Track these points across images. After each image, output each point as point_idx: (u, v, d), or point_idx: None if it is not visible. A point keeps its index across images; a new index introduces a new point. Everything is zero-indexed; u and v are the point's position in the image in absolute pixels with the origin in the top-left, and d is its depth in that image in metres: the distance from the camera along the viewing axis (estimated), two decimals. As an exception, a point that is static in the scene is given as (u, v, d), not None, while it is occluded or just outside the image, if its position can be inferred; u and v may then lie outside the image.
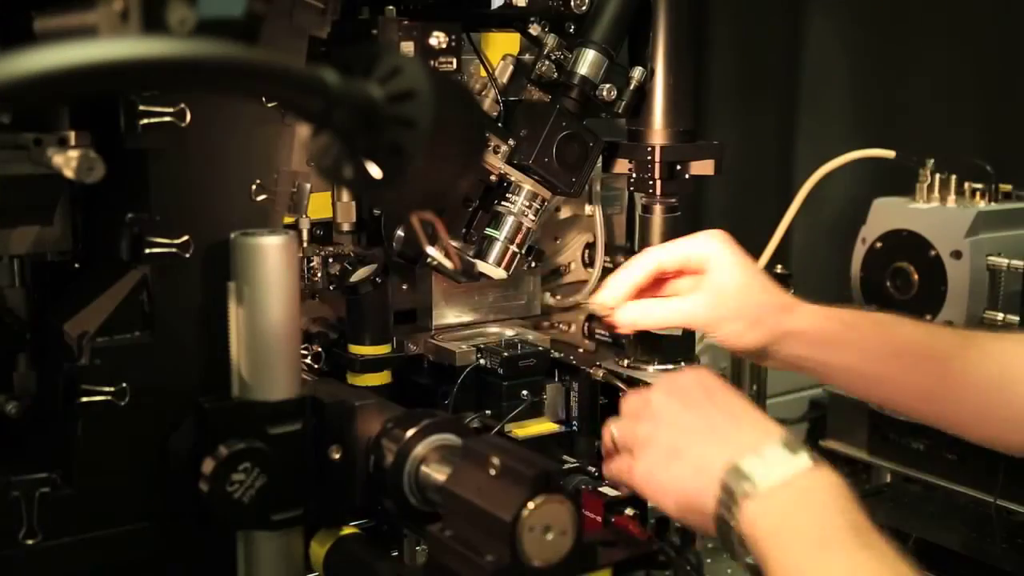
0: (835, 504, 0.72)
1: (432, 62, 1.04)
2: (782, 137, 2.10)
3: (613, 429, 0.88)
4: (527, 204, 1.09)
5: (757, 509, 0.73)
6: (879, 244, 1.39)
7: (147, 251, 0.84)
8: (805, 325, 0.95)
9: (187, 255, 0.85)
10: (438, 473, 0.81)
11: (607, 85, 1.09)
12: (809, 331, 0.95)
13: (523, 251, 1.10)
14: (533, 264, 1.14)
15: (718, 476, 0.75)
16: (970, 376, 0.92)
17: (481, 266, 1.09)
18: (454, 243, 1.11)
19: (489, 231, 1.10)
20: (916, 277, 1.35)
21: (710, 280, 0.97)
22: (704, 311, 0.96)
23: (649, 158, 1.11)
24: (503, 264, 1.09)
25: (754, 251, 1.49)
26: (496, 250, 1.09)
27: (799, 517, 0.72)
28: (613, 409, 1.13)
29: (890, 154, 1.40)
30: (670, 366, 1.12)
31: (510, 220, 1.09)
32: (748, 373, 1.36)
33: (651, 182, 1.12)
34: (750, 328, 0.96)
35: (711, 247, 0.99)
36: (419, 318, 1.18)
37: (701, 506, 0.76)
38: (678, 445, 0.80)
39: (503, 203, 1.10)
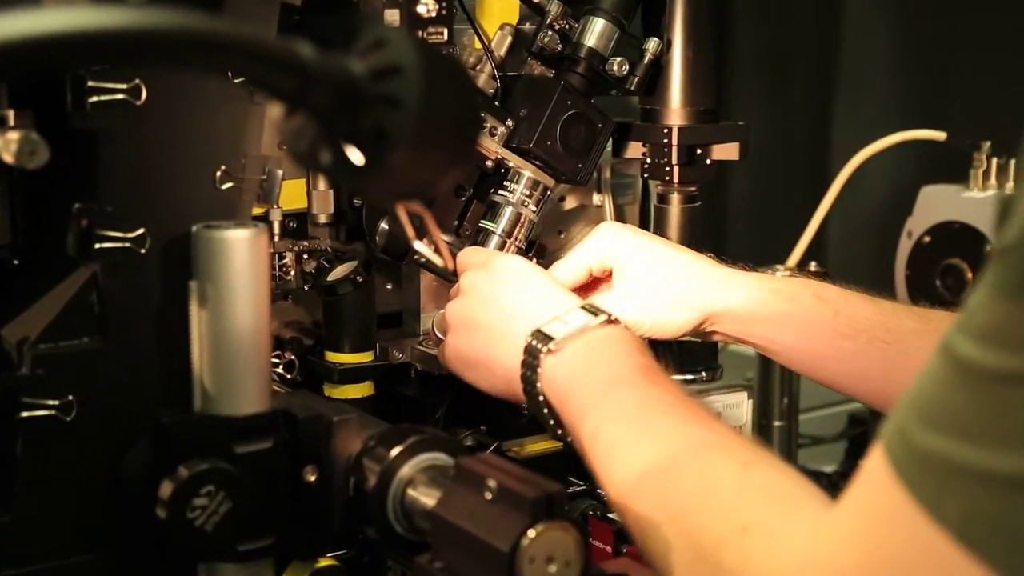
0: (627, 350, 0.84)
1: (420, 33, 1.04)
2: (816, 117, 2.10)
3: (434, 323, 1.00)
4: (527, 193, 1.10)
5: (553, 362, 0.85)
6: (927, 238, 1.39)
7: (97, 246, 0.84)
8: (739, 300, 0.97)
9: (142, 250, 0.85)
10: (427, 497, 0.81)
11: (618, 59, 1.10)
12: (743, 307, 0.97)
13: (523, 246, 1.11)
14: (534, 261, 1.15)
15: (523, 341, 0.86)
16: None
17: None
18: (445, 237, 1.11)
19: (485, 224, 1.10)
20: (970, 276, 1.35)
21: (622, 275, 1.00)
22: (620, 308, 0.94)
23: (665, 141, 1.12)
24: None
25: (784, 246, 1.50)
26: (492, 245, 1.10)
27: (591, 364, 0.84)
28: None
29: (940, 136, 1.41)
30: (690, 376, 1.12)
31: (508, 211, 1.10)
32: (778, 385, 1.37)
33: (667, 168, 1.12)
34: (675, 311, 0.98)
35: (612, 241, 1.00)
36: (406, 322, 1.18)
37: (509, 374, 0.88)
38: (485, 318, 0.92)
39: (500, 192, 1.10)
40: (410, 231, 0.84)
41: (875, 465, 0.58)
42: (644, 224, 1.25)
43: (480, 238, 1.10)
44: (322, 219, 1.11)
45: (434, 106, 0.62)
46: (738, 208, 2.04)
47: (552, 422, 0.87)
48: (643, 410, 0.79)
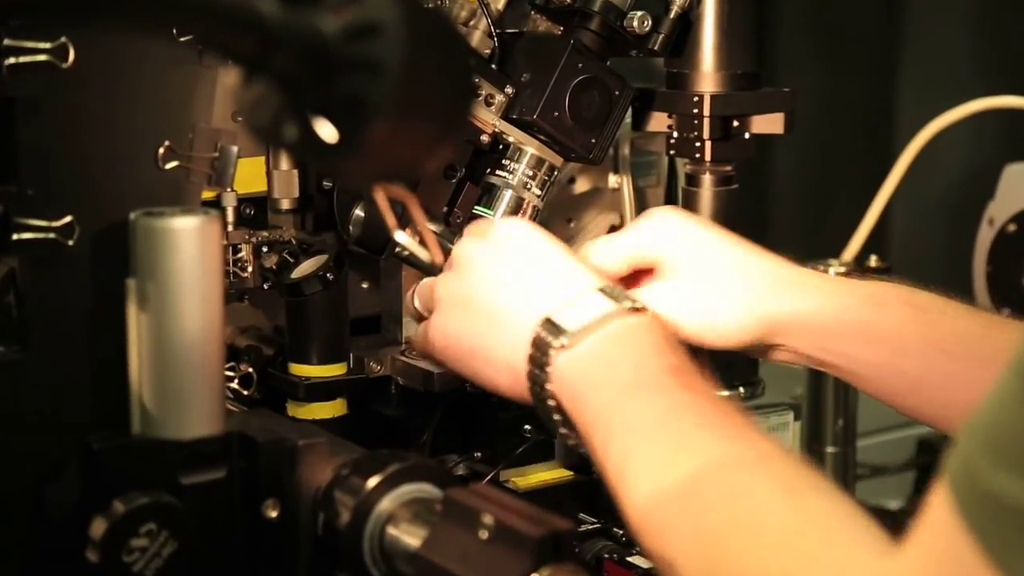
0: (655, 346, 0.83)
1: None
2: (878, 83, 2.11)
3: (415, 293, 0.99)
4: (530, 174, 1.10)
5: (566, 360, 0.84)
6: (1013, 227, 1.40)
7: (15, 237, 0.84)
8: (815, 307, 0.93)
9: (70, 242, 0.86)
10: (410, 536, 0.81)
11: (639, 13, 1.10)
12: (821, 315, 0.93)
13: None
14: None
15: (530, 332, 0.85)
16: None
17: None
18: (432, 227, 1.11)
19: (479, 210, 1.11)
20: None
21: (667, 269, 0.96)
22: (661, 307, 0.92)
23: (696, 111, 1.12)
24: None
25: (838, 238, 1.50)
26: (489, 236, 1.10)
27: (611, 362, 0.83)
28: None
29: (1025, 104, 1.41)
30: (724, 392, 1.13)
31: (507, 195, 1.10)
32: (831, 404, 1.37)
33: (698, 144, 1.13)
34: (729, 315, 0.94)
35: (659, 227, 0.97)
36: (385, 328, 1.18)
37: (514, 370, 0.87)
38: (485, 299, 0.90)
39: (498, 172, 1.11)
40: (390, 219, 0.85)
41: (940, 505, 0.58)
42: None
43: None
44: (285, 205, 1.11)
45: (419, 72, 0.62)
46: (783, 192, 2.05)
47: (564, 430, 0.86)
48: (671, 419, 0.79)
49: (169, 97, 0.90)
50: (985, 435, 0.57)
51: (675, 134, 1.14)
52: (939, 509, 0.58)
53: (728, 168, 1.15)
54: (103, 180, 0.87)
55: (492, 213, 1.10)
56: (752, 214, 1.90)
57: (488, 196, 1.11)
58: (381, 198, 0.78)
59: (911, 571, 0.60)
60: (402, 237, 0.91)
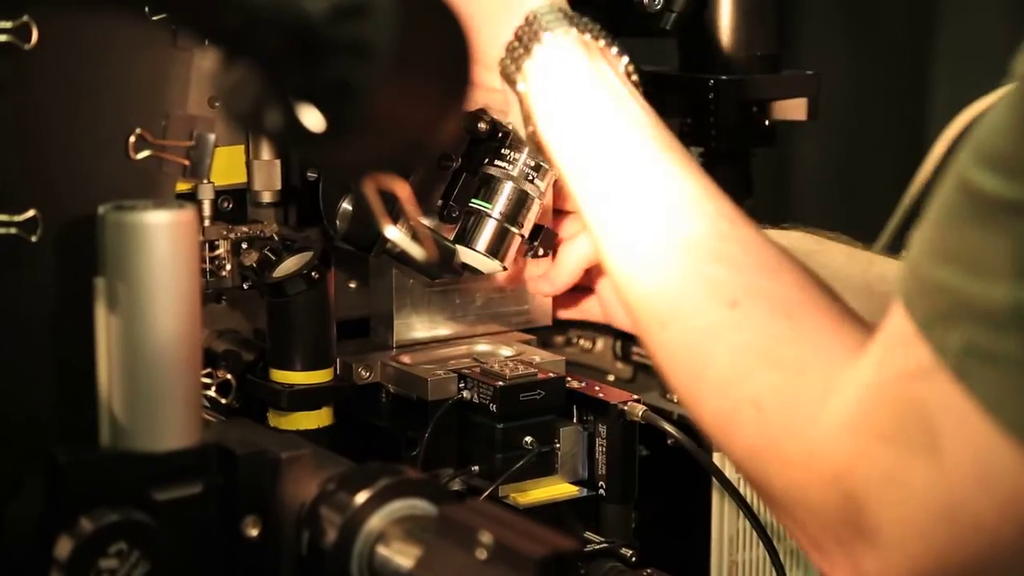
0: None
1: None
2: (910, 67, 2.11)
3: None
4: (532, 164, 1.10)
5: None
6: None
7: (-24, 232, 0.85)
8: None
9: (33, 238, 0.86)
10: (402, 556, 0.82)
11: None
12: None
13: (526, 233, 1.12)
14: (541, 252, 1.16)
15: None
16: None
17: (464, 254, 1.11)
18: (425, 221, 1.12)
19: (476, 203, 1.11)
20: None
21: None
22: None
23: (711, 96, 1.13)
24: (498, 252, 1.11)
25: (869, 230, 1.50)
26: (487, 231, 1.11)
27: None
28: (657, 462, 1.14)
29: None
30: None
31: (507, 188, 1.11)
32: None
33: (713, 131, 1.13)
34: None
35: None
36: (374, 331, 1.19)
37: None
38: None
39: (497, 163, 1.11)
40: (380, 213, 0.85)
41: (893, 308, 0.73)
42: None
43: (471, 222, 1.11)
44: (266, 198, 1.12)
45: (411, 53, 0.63)
46: (807, 183, 2.05)
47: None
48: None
49: (141, 81, 0.90)
50: (928, 237, 0.71)
51: (689, 120, 1.15)
52: (891, 312, 0.73)
53: (746, 158, 1.15)
54: (69, 171, 0.88)
55: (491, 207, 1.10)
56: (773, 207, 1.90)
57: (486, 188, 1.11)
58: (371, 190, 0.78)
59: (866, 360, 0.74)
60: (393, 233, 0.91)
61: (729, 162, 1.16)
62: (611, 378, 1.26)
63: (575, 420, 1.14)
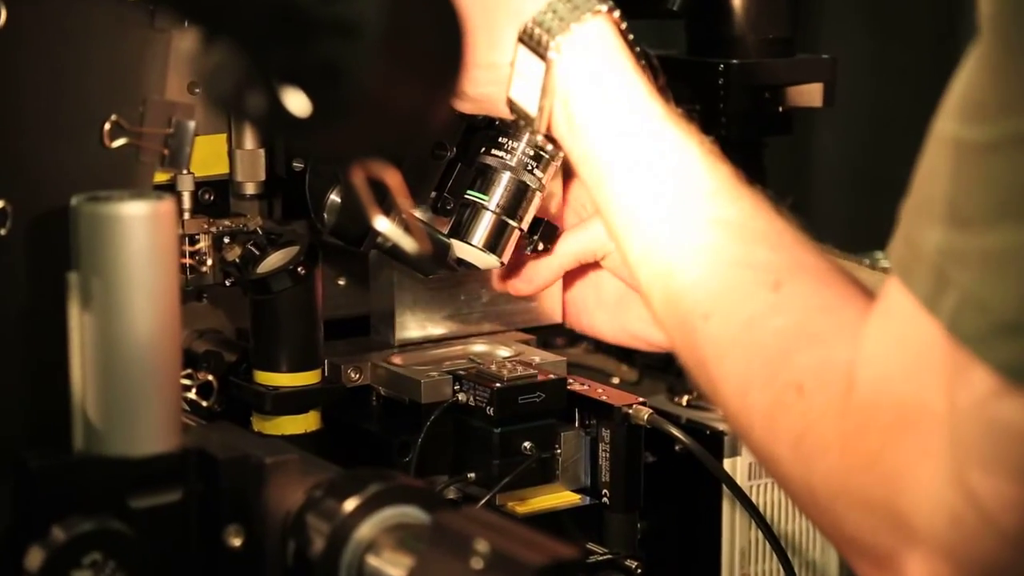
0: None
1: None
2: (935, 50, 2.10)
3: None
4: (531, 153, 1.11)
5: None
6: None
7: (-59, 225, 0.86)
8: None
9: (2, 231, 0.86)
10: (394, 567, 0.82)
11: None
12: None
13: (525, 227, 1.12)
14: (541, 247, 1.16)
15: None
16: None
17: (460, 249, 1.11)
18: (418, 213, 1.12)
19: (472, 195, 1.11)
20: None
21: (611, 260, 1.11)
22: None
23: (721, 81, 1.13)
24: (495, 247, 1.11)
25: (889, 225, 1.49)
26: (483, 225, 1.11)
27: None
28: (664, 469, 1.15)
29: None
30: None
31: (505, 178, 1.11)
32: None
33: (724, 118, 1.13)
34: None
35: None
36: (375, 329, 1.20)
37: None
38: None
39: (494, 152, 1.11)
40: (370, 205, 0.85)
41: (889, 283, 0.76)
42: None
43: (466, 215, 1.11)
44: (249, 189, 1.12)
45: (402, 33, 0.63)
46: (824, 174, 2.04)
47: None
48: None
49: (116, 65, 0.90)
50: (915, 201, 0.75)
51: (698, 107, 1.15)
52: (889, 286, 0.76)
53: (758, 147, 1.16)
54: (40, 160, 0.88)
55: (487, 198, 1.10)
56: (788, 201, 1.89)
57: (482, 179, 1.11)
58: (360, 180, 0.79)
59: (870, 338, 0.78)
60: (384, 225, 0.91)
61: (741, 151, 1.15)
62: (615, 380, 1.26)
63: (577, 424, 1.15)
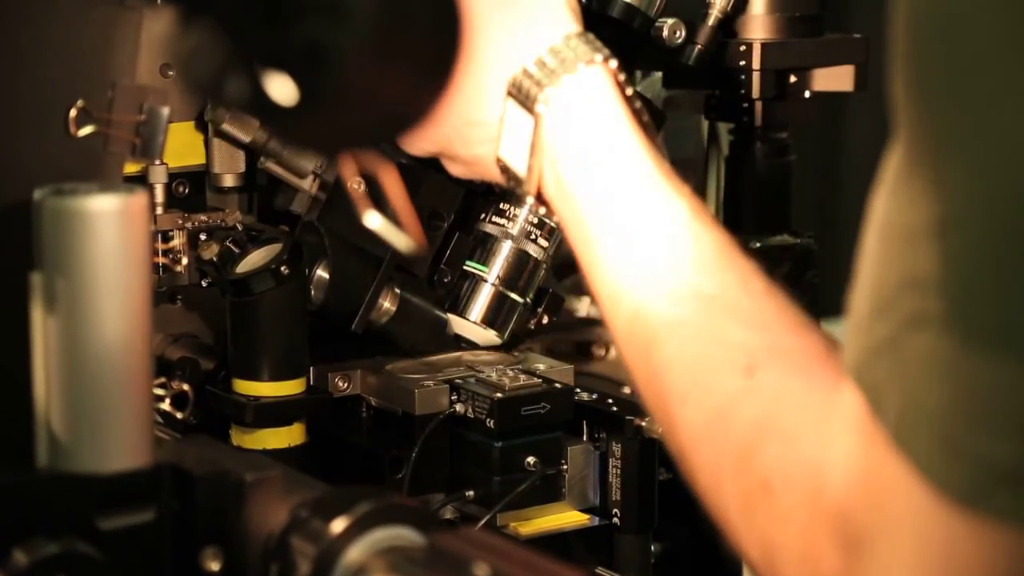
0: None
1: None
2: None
3: None
4: (535, 221, 1.11)
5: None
6: None
7: None
8: None
9: (-39, 228, 0.87)
10: (385, 594, 0.82)
11: (670, 21, 1.10)
12: None
13: (528, 299, 1.13)
14: (546, 319, 1.17)
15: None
16: None
17: (457, 325, 1.13)
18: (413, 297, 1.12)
19: (471, 266, 1.12)
20: None
21: None
22: None
23: (743, 63, 1.13)
24: (495, 322, 1.13)
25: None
26: (482, 298, 1.12)
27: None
28: (679, 486, 1.15)
29: None
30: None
31: (506, 248, 1.12)
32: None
33: (746, 104, 1.13)
34: None
35: None
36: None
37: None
38: None
39: (494, 219, 1.12)
40: (360, 198, 0.85)
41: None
42: (711, 187, 1.26)
43: (465, 288, 1.12)
44: (228, 182, 1.12)
45: (391, 10, 0.63)
46: (854, 164, 2.04)
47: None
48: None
49: (83, 46, 0.90)
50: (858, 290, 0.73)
51: (717, 93, 1.15)
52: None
53: (784, 135, 1.16)
54: (1, 150, 0.88)
55: (487, 270, 1.11)
56: (815, 192, 1.89)
57: (482, 248, 1.12)
58: (349, 171, 0.79)
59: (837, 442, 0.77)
60: (376, 221, 0.91)
61: (764, 140, 1.15)
62: (627, 390, 1.26)
63: (585, 438, 1.15)
